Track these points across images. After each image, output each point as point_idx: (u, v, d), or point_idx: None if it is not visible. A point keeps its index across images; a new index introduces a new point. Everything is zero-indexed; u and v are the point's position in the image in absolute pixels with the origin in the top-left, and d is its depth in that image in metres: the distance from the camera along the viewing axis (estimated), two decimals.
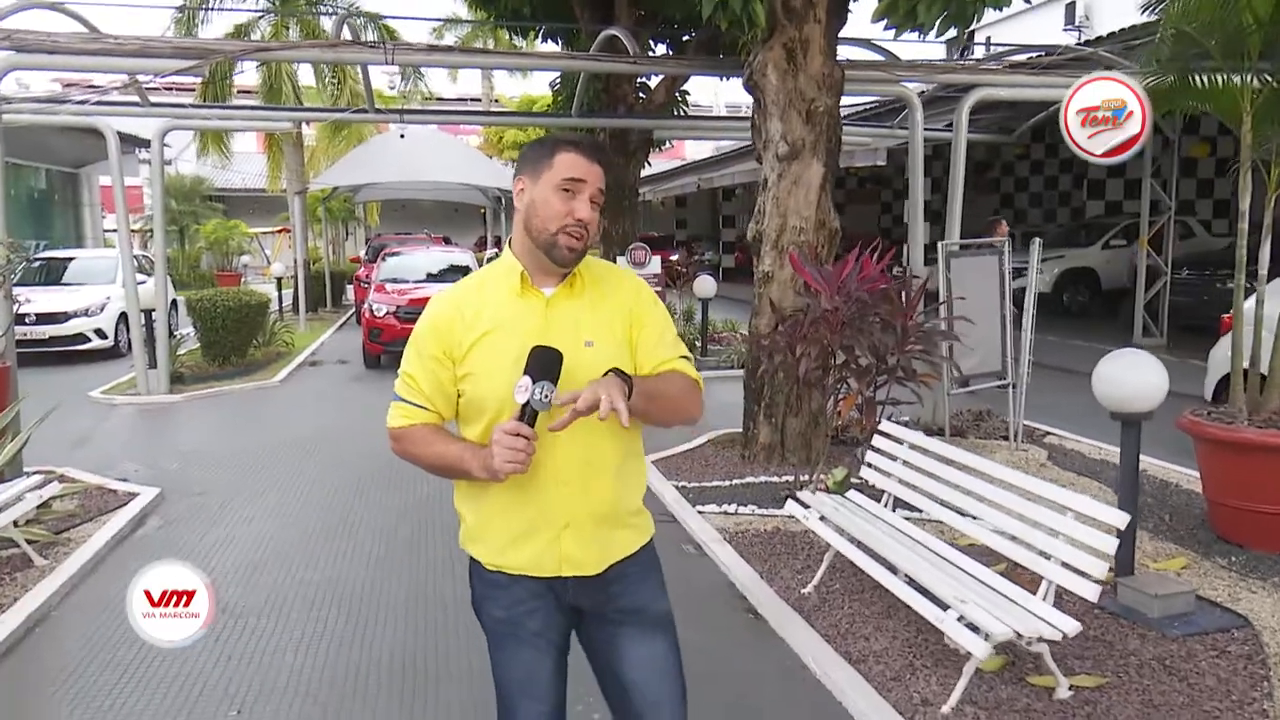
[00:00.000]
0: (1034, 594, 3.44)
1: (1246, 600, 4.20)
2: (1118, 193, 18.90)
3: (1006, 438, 7.26)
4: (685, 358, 2.04)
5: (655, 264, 11.57)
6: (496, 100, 32.91)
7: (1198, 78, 4.99)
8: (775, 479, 6.33)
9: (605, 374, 1.79)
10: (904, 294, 5.63)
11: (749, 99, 7.13)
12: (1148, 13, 5.31)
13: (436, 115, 18.55)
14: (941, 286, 6.56)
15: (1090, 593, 3.15)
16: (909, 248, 7.72)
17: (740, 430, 7.18)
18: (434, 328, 1.93)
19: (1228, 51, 4.71)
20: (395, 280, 13.27)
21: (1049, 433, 7.62)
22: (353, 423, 8.81)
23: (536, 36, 13.72)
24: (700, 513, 5.69)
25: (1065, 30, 21.30)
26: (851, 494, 4.75)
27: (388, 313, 11.84)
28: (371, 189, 21.25)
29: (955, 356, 6.25)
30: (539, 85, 38.77)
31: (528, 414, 1.77)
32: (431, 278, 13.65)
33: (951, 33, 6.58)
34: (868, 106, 14.28)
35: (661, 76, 12.43)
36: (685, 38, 12.50)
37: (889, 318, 5.52)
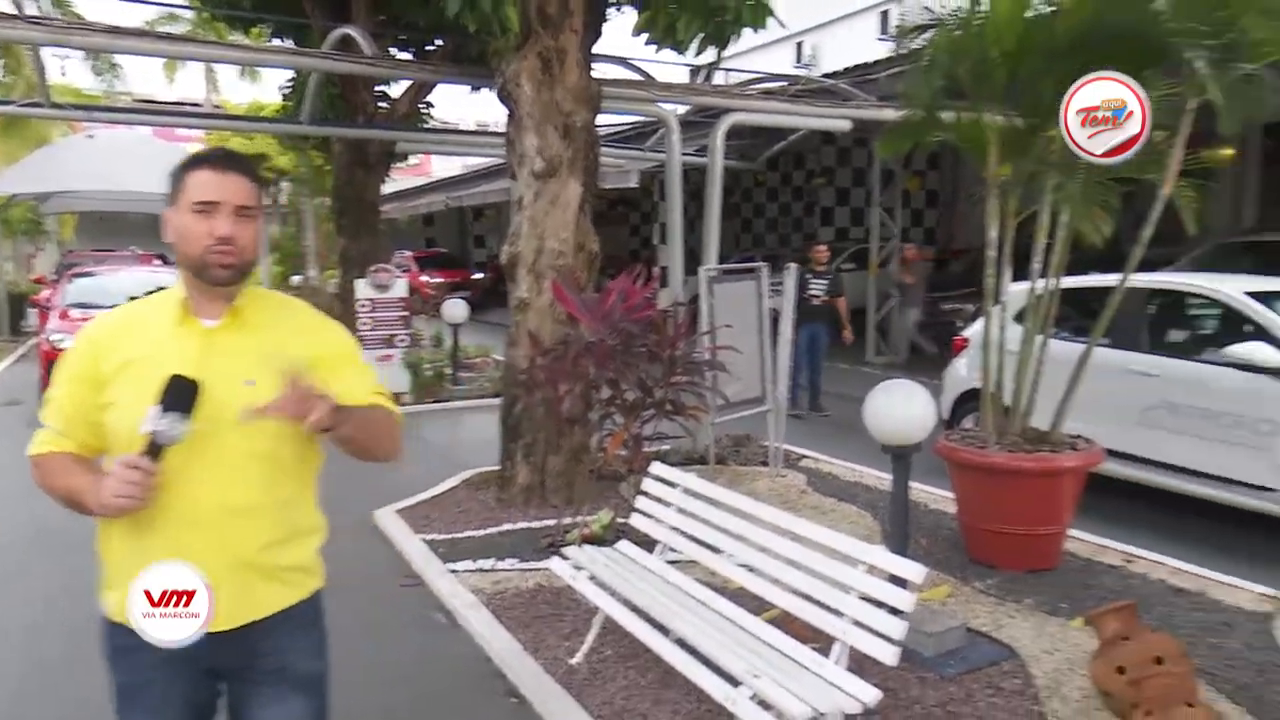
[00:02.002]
0: (812, 647, 3.16)
1: (1009, 627, 4.20)
2: (845, 220, 20.31)
3: (766, 463, 7.20)
4: (386, 395, 2.01)
5: (401, 287, 10.66)
6: (219, 106, 29.97)
7: (946, 114, 5.10)
8: (536, 524, 5.79)
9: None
10: (669, 322, 5.32)
11: (499, 117, 6.62)
12: (904, 44, 5.37)
13: (130, 114, 15.83)
14: (704, 313, 6.36)
15: (889, 656, 2.87)
16: (669, 272, 7.51)
17: (496, 469, 6.58)
18: (82, 350, 1.87)
19: (977, 85, 4.81)
20: (83, 305, 11.31)
21: (804, 455, 7.67)
22: (10, 483, 7.19)
23: (263, 34, 12.39)
24: (453, 571, 5.02)
25: (795, 67, 22.77)
26: (622, 544, 4.30)
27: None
28: (62, 198, 18.37)
29: (719, 384, 6.04)
30: (270, 91, 35.96)
31: (151, 446, 1.70)
32: (132, 302, 11.81)
33: (709, 54, 6.42)
34: (619, 129, 14.24)
35: (408, 85, 11.61)
36: (430, 47, 11.77)
37: (656, 348, 5.17)
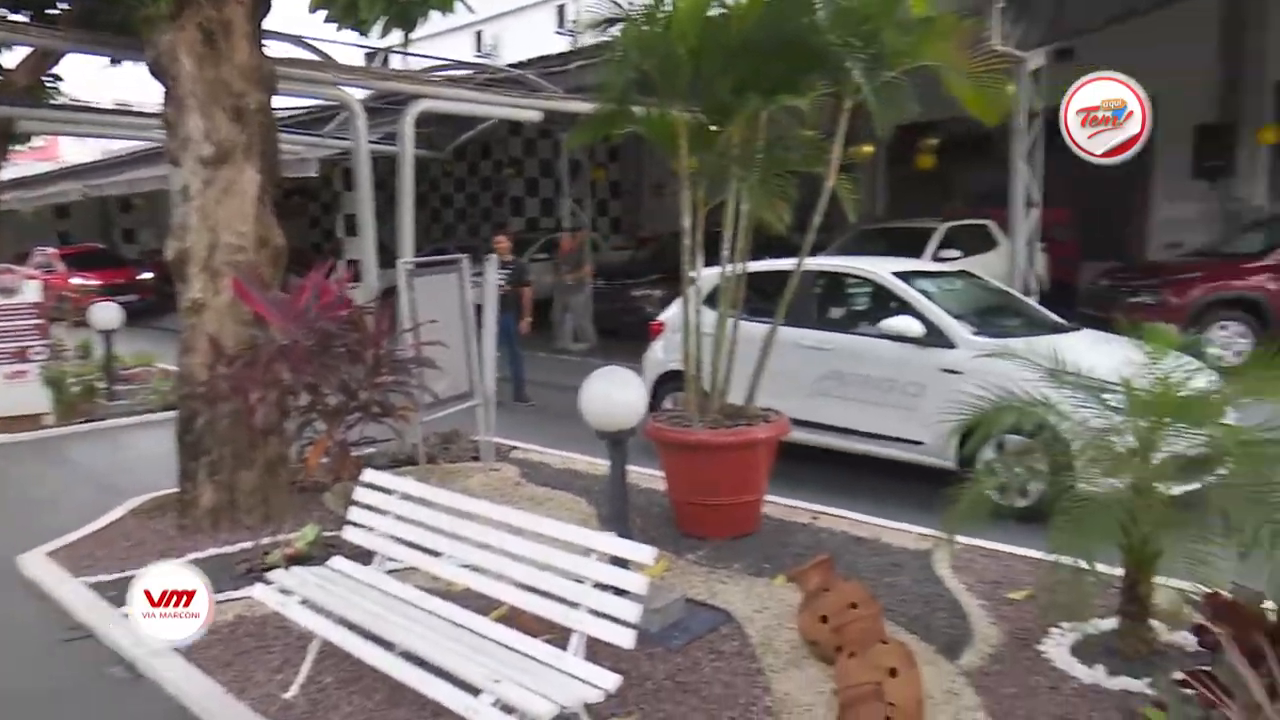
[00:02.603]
0: (545, 640, 3.16)
1: (722, 593, 4.47)
2: (536, 210, 20.55)
3: (477, 458, 7.08)
4: None
5: (33, 290, 9.12)
6: None
7: (638, 108, 5.28)
8: (229, 548, 5.22)
9: None
10: (370, 319, 5.03)
11: (146, 98, 5.85)
12: (580, 38, 5.45)
13: None
14: (405, 308, 6.08)
15: (626, 639, 2.92)
16: (362, 266, 7.10)
17: (174, 492, 5.83)
18: None
19: (665, 80, 5.02)
20: None
21: (515, 447, 7.64)
22: None
23: None
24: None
25: (476, 56, 22.60)
26: (335, 561, 4.00)
27: None
28: None
29: (427, 381, 5.82)
30: None
31: None
32: None
33: (394, 37, 6.11)
34: (293, 114, 13.24)
35: (28, 53, 9.90)
36: (54, 10, 10.11)
37: (357, 348, 4.86)
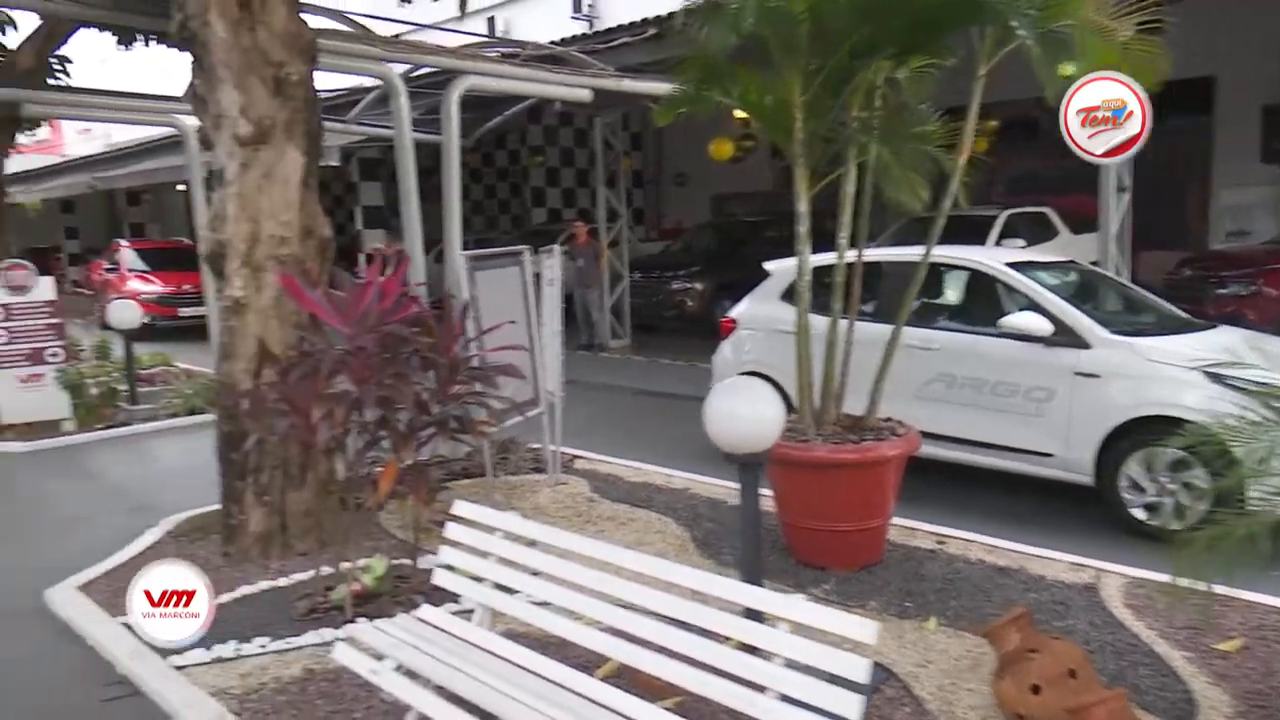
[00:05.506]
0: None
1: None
2: (558, 201, 19.86)
3: (539, 469, 6.44)
4: None
5: (46, 288, 8.49)
6: None
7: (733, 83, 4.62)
8: (284, 580, 4.59)
9: None
10: (444, 320, 4.38)
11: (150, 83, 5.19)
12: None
13: None
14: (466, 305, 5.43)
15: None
16: (411, 263, 6.45)
17: (216, 511, 5.19)
18: None
19: (780, 44, 4.33)
20: None
21: (577, 456, 6.99)
22: None
23: None
24: (180, 668, 3.73)
25: (574, 18, 21.65)
26: (426, 611, 3.36)
27: None
28: None
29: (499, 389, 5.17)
30: None
31: None
32: None
33: (436, 13, 5.44)
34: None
35: (35, 30, 9.25)
36: None
37: (431, 354, 4.21)
